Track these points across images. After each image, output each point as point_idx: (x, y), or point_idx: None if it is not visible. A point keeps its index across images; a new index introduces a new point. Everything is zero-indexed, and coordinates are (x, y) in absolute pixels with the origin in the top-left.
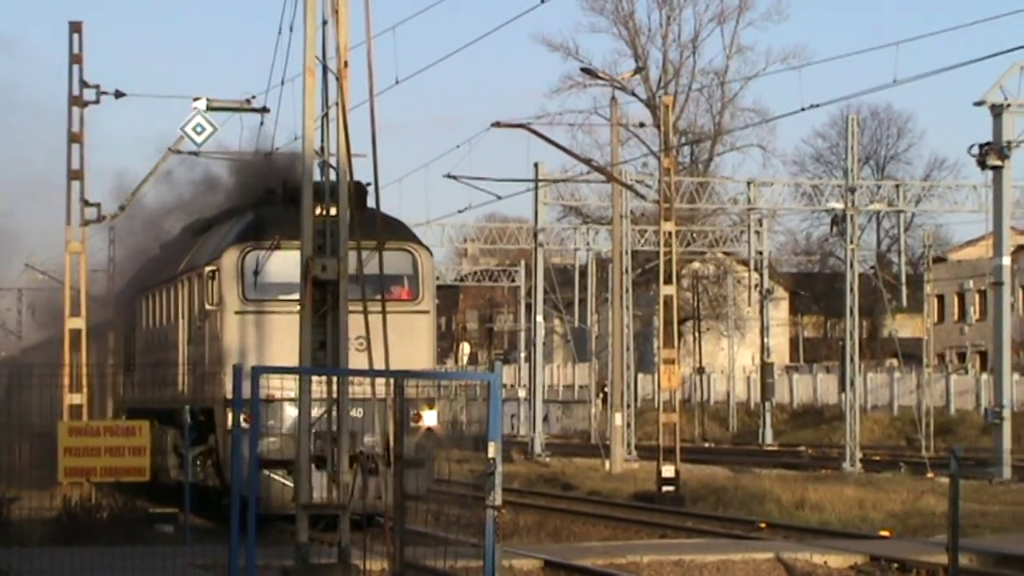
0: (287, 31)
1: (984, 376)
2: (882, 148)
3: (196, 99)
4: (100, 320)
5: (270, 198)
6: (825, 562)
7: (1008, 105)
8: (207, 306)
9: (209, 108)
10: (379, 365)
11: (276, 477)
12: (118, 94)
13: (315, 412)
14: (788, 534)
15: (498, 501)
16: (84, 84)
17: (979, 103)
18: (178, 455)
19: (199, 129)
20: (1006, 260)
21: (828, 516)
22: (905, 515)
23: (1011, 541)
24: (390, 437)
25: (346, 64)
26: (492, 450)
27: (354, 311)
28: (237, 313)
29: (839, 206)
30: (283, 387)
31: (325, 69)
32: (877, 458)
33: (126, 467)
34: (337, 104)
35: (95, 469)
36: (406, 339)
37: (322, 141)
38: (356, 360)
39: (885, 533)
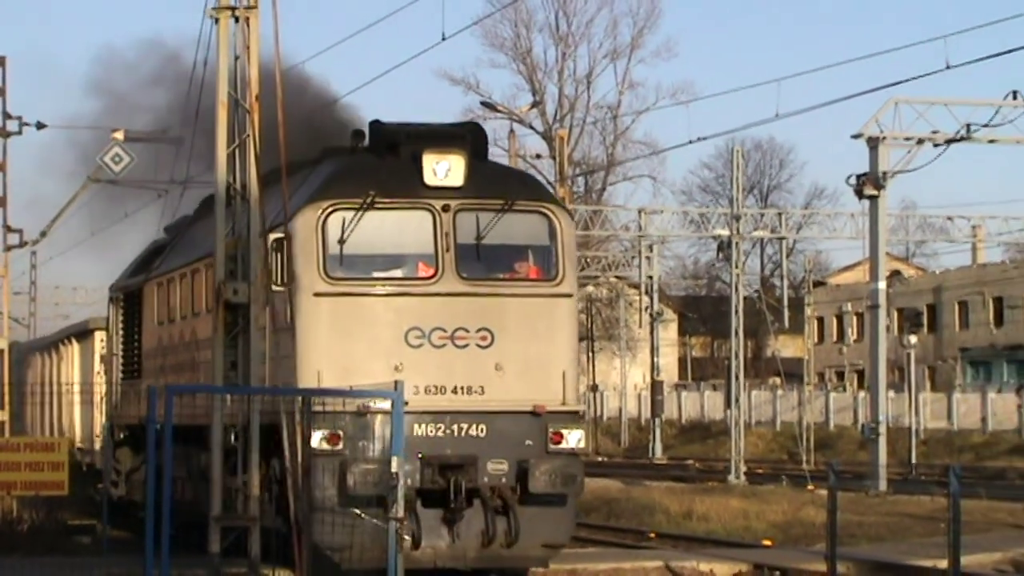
0: (201, 66)
1: (861, 394)
2: (765, 178)
3: (115, 131)
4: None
5: (356, 142)
6: (711, 570)
7: (883, 138)
8: (273, 287)
9: (127, 139)
10: (511, 364)
11: (369, 518)
12: (39, 125)
13: (422, 430)
14: (676, 543)
15: (400, 514)
16: (7, 116)
17: (856, 136)
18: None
19: (117, 159)
20: (881, 284)
21: (714, 526)
22: (787, 525)
23: (886, 550)
24: (529, 464)
25: (257, 98)
26: (395, 465)
27: (468, 293)
28: (318, 295)
29: (725, 233)
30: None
31: (237, 102)
32: (760, 471)
33: (45, 481)
34: (249, 135)
35: (16, 483)
36: (542, 331)
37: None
38: (470, 359)
39: (767, 542)
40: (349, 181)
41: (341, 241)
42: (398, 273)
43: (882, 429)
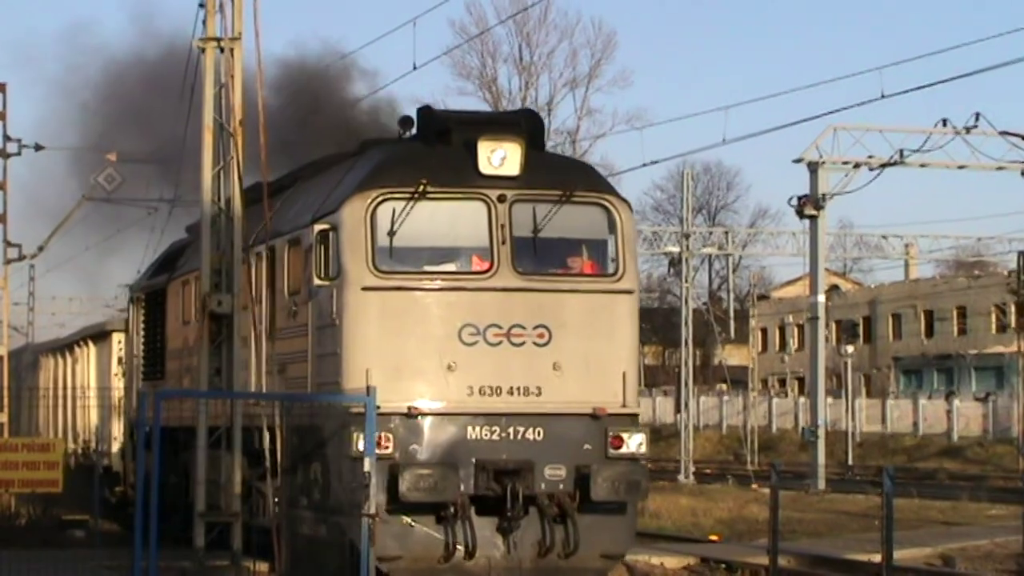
0: (188, 93)
1: (801, 399)
2: (713, 199)
3: (108, 153)
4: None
5: (404, 130)
6: (662, 563)
7: (822, 162)
8: (315, 281)
9: (120, 160)
10: (569, 363)
11: (420, 526)
12: (37, 147)
13: (476, 433)
14: None
15: (372, 510)
16: (7, 138)
17: (798, 160)
18: (260, 495)
19: (110, 180)
20: (821, 298)
21: (664, 522)
22: (732, 521)
23: (824, 545)
24: (591, 470)
25: (240, 123)
26: (367, 465)
27: (525, 288)
28: (367, 290)
29: (676, 250)
30: (425, 394)
31: (222, 127)
32: (708, 471)
33: (41, 480)
34: (232, 157)
35: (14, 481)
36: (601, 329)
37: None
38: (526, 358)
39: (714, 537)
40: (399, 169)
41: (391, 232)
42: (451, 267)
43: (821, 432)
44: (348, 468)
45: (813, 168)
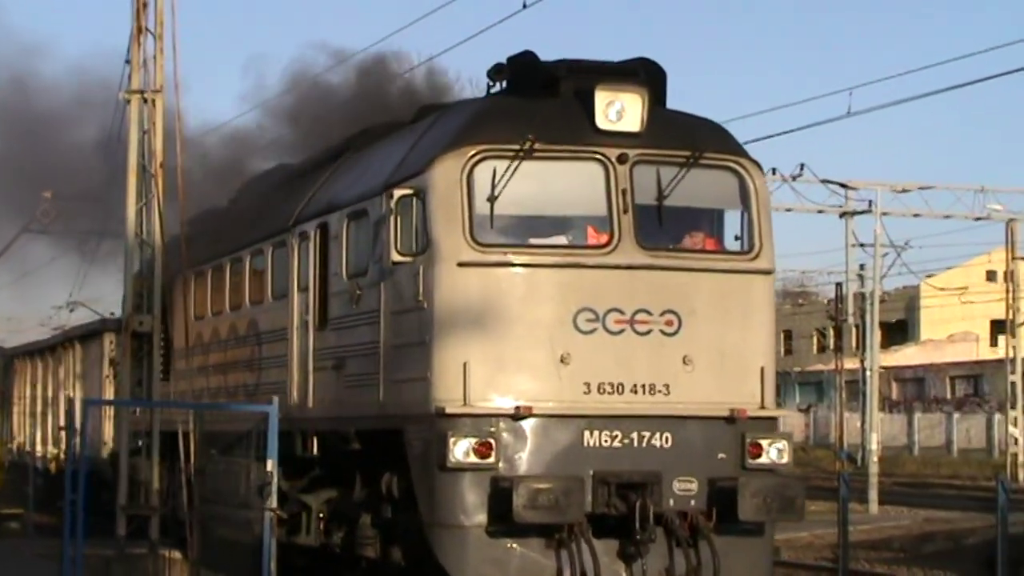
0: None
1: None
2: None
3: (45, 191)
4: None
5: (496, 80)
6: None
7: None
8: (394, 256)
9: (55, 197)
10: (701, 356)
11: (526, 550)
12: None
13: (594, 439)
14: None
15: (274, 505)
16: None
17: None
18: (302, 508)
19: (45, 215)
20: None
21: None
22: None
23: None
24: (739, 484)
25: (161, 165)
26: (270, 465)
27: (651, 266)
28: (463, 266)
29: None
30: (533, 392)
31: (144, 168)
32: None
33: None
34: (154, 195)
35: None
36: (736, 315)
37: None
38: (652, 349)
39: None
40: (501, 122)
41: (492, 198)
42: (560, 239)
43: None
44: (443, 483)
45: None
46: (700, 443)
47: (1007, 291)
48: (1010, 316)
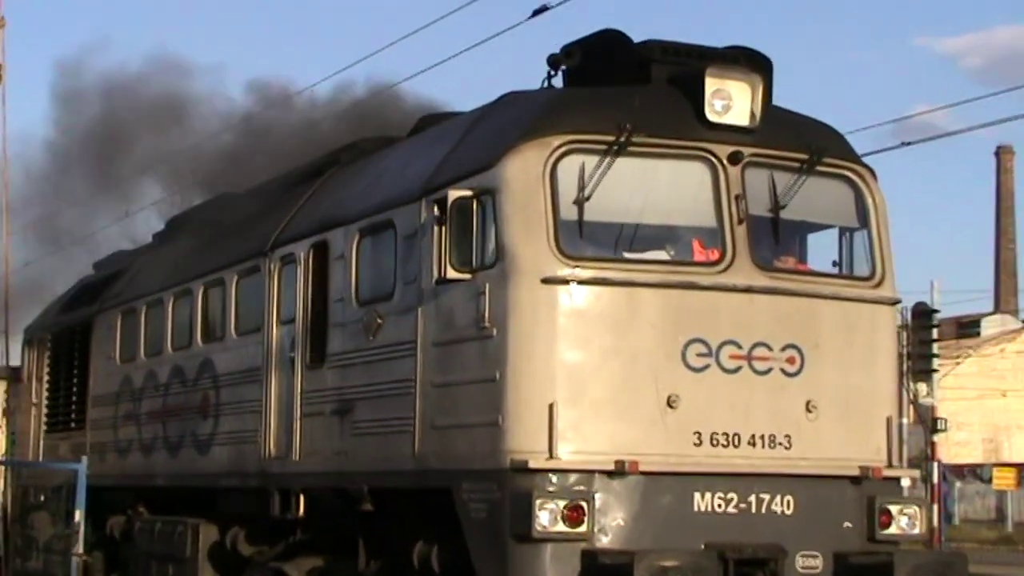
0: None
1: None
2: None
3: None
4: None
5: (566, 63)
6: None
7: None
8: (449, 273)
9: None
10: (826, 402)
11: None
12: None
13: (706, 502)
14: None
15: (80, 551)
16: None
17: None
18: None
19: None
20: None
21: None
22: None
23: None
24: (895, 559)
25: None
26: (78, 516)
27: (772, 290)
28: (548, 282)
29: None
30: (633, 442)
31: None
32: None
33: None
34: None
35: None
36: (860, 353)
37: None
38: (773, 392)
39: None
40: (591, 109)
41: (581, 200)
42: (660, 254)
43: None
44: (522, 558)
45: None
46: (824, 509)
47: None
48: None
